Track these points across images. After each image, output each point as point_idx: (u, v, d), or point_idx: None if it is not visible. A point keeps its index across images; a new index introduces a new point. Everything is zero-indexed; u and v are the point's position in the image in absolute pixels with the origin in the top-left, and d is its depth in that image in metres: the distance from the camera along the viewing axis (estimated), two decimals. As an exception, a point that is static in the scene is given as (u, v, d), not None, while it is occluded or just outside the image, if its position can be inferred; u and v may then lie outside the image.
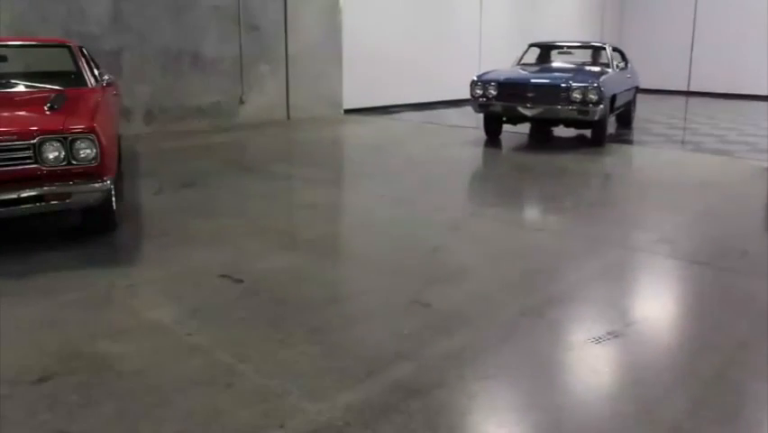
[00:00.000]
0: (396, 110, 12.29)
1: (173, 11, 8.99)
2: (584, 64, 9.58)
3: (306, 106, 10.81)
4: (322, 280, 3.70)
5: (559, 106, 7.98)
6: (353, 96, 11.61)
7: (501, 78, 8.46)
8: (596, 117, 7.89)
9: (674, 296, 3.66)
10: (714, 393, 2.51)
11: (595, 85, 7.83)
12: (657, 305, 3.49)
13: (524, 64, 9.70)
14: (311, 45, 10.69)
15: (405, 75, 12.49)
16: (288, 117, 10.62)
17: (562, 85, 7.99)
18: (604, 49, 9.55)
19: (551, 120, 8.51)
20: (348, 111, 11.57)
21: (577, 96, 7.82)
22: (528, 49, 10.00)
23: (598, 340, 2.94)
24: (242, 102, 9.98)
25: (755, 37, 15.46)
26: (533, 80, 8.40)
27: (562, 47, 10.03)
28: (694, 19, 16.76)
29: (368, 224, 4.96)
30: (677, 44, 16.88)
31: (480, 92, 8.43)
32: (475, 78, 8.56)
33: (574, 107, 7.87)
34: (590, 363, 2.75)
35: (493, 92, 8.31)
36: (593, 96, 7.77)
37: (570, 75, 8.34)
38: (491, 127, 8.96)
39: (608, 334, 3.00)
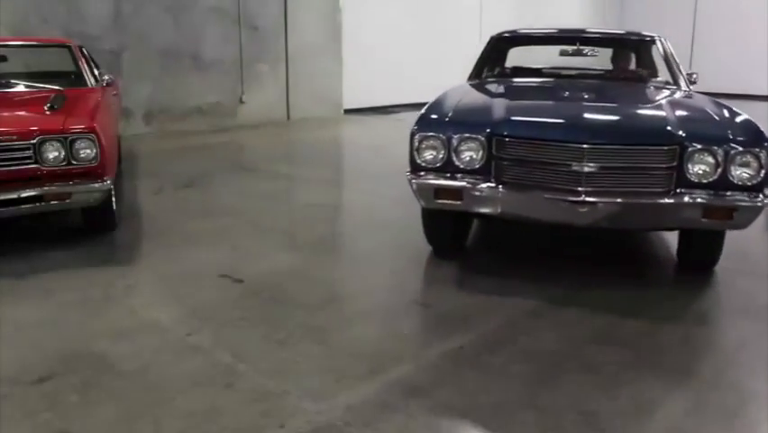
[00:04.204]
0: (396, 110, 12.29)
1: (173, 11, 8.99)
2: (618, 77, 5.05)
3: (306, 106, 10.81)
4: (322, 279, 3.70)
5: (664, 199, 3.26)
6: (353, 96, 11.61)
7: (498, 114, 3.58)
8: (749, 223, 3.32)
9: (673, 295, 3.66)
10: (714, 393, 2.51)
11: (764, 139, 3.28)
12: (656, 304, 3.49)
13: (487, 79, 4.93)
14: (311, 45, 10.69)
15: (405, 75, 12.49)
16: (288, 117, 10.62)
17: (667, 129, 3.34)
18: (653, 43, 5.03)
19: (632, 229, 4.14)
20: (348, 111, 11.57)
21: (705, 166, 3.26)
22: (493, 45, 5.17)
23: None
24: (241, 102, 9.98)
25: (756, 37, 15.47)
26: (594, 117, 3.62)
27: (571, 39, 5.07)
28: (694, 19, 16.77)
29: (368, 224, 4.96)
30: (677, 44, 16.75)
31: (437, 155, 3.55)
32: (428, 119, 3.67)
33: (704, 198, 3.25)
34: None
35: (473, 155, 3.48)
36: (753, 172, 3.24)
37: (659, 107, 3.89)
38: (450, 236, 4.04)
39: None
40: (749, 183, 3.24)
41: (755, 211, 3.26)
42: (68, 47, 5.48)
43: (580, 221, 3.29)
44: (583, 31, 5.41)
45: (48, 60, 6.12)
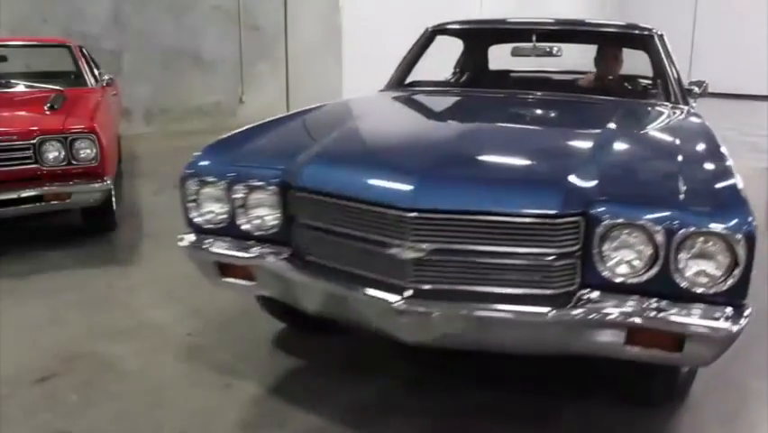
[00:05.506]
0: (396, 110, 12.29)
1: (173, 11, 8.99)
2: (593, 87, 3.73)
3: (306, 106, 10.81)
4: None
5: (554, 311, 1.80)
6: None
7: (307, 152, 2.27)
8: (711, 359, 1.81)
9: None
10: (714, 394, 2.51)
11: (740, 222, 1.72)
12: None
13: (405, 87, 3.75)
14: (311, 45, 10.69)
15: (405, 75, 12.50)
16: (288, 117, 10.63)
17: (564, 184, 1.89)
18: (652, 37, 3.67)
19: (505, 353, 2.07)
20: (348, 111, 11.57)
21: (631, 253, 1.81)
22: (428, 38, 4.23)
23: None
24: (241, 102, 9.98)
25: (756, 37, 15.48)
26: (440, 164, 2.03)
27: (525, 32, 3.59)
28: (694, 19, 16.78)
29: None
30: (677, 44, 16.81)
31: (219, 211, 2.35)
32: (211, 153, 2.76)
33: (628, 313, 1.77)
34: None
35: (264, 213, 2.25)
36: (719, 271, 1.75)
37: (582, 146, 2.34)
38: (293, 314, 2.57)
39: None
40: (711, 290, 1.77)
41: (720, 343, 1.77)
42: (68, 47, 5.48)
43: (405, 337, 1.93)
44: (553, 22, 3.87)
45: (48, 60, 6.12)
